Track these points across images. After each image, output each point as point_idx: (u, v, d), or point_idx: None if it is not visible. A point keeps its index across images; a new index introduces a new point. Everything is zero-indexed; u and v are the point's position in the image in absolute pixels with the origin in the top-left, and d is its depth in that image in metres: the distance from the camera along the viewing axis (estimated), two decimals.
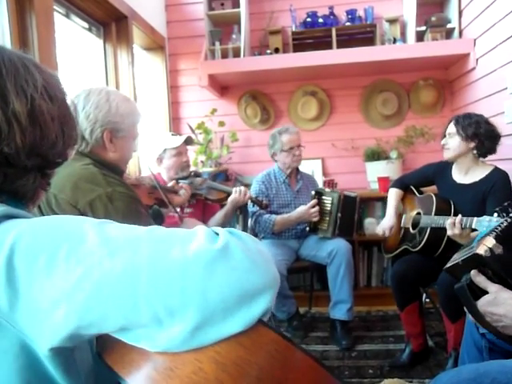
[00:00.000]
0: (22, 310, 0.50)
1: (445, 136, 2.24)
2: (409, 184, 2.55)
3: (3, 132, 0.59)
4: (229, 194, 2.44)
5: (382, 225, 2.50)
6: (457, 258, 1.22)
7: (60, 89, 0.70)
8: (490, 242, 1.09)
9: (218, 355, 0.48)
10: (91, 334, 0.53)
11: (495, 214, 1.70)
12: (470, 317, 1.13)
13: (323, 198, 2.76)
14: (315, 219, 2.72)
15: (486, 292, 1.09)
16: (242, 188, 2.43)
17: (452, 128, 2.18)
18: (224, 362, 0.48)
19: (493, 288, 1.07)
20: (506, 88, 2.48)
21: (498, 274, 1.08)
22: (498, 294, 1.06)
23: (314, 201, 2.71)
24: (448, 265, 1.23)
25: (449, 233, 1.97)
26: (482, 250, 1.09)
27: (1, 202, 0.60)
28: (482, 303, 1.08)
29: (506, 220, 1.19)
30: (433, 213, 2.22)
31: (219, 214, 2.47)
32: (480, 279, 1.09)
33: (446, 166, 2.33)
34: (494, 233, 1.13)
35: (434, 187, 2.46)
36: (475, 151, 2.14)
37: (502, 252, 1.09)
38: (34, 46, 1.87)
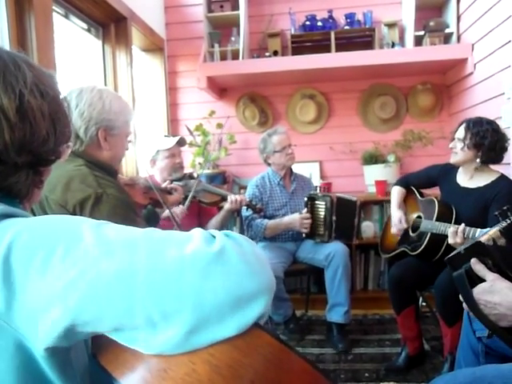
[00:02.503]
0: (18, 309, 0.51)
1: (453, 139, 2.21)
2: (411, 184, 2.53)
3: None
4: (223, 198, 2.43)
5: (393, 223, 2.47)
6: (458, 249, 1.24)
7: (52, 86, 0.70)
8: (494, 233, 1.12)
9: (211, 357, 0.48)
10: (86, 333, 0.53)
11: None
12: (464, 306, 1.13)
13: (316, 202, 2.75)
14: (305, 230, 2.72)
15: (483, 280, 1.10)
16: (238, 197, 2.42)
17: (461, 133, 2.15)
18: (218, 363, 0.48)
19: (490, 276, 1.08)
20: (504, 93, 2.49)
21: (498, 265, 1.10)
22: (494, 283, 1.07)
23: (308, 215, 2.71)
24: (450, 255, 1.24)
25: (450, 241, 1.96)
26: (484, 239, 1.13)
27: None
28: (478, 290, 1.09)
29: (510, 218, 1.22)
30: (434, 218, 2.21)
31: (216, 219, 2.46)
32: (479, 267, 1.10)
33: (451, 169, 2.31)
34: (498, 227, 1.17)
35: (435, 190, 2.45)
36: (478, 159, 2.12)
37: (504, 244, 1.12)
38: (32, 46, 1.86)
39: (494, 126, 2.11)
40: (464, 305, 1.13)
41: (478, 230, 1.85)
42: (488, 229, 1.77)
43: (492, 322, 1.07)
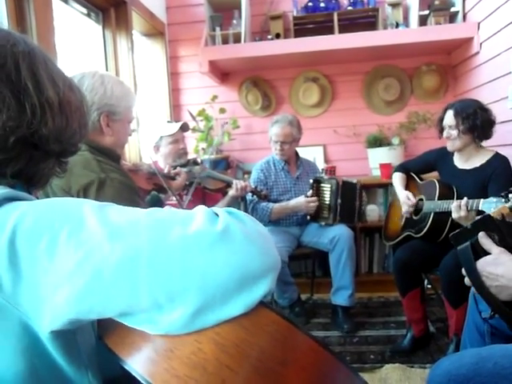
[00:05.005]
0: (24, 291, 0.51)
1: (442, 127, 2.24)
2: (410, 171, 2.54)
3: (37, 116, 0.62)
4: (228, 184, 2.42)
5: (402, 200, 2.42)
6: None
7: (76, 84, 0.75)
8: (504, 209, 1.12)
9: (217, 336, 0.48)
10: (91, 319, 0.53)
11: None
12: (466, 280, 1.14)
13: (322, 185, 2.75)
14: (312, 212, 2.71)
15: (488, 254, 1.10)
16: (243, 183, 2.42)
17: (451, 120, 2.17)
18: (224, 342, 0.48)
19: (496, 250, 1.08)
20: (510, 72, 2.45)
21: (504, 241, 1.10)
22: (499, 256, 1.07)
23: (314, 198, 2.70)
24: (455, 231, 1.24)
25: (454, 216, 1.96)
26: (494, 214, 1.13)
27: (9, 185, 0.61)
28: (482, 263, 1.09)
29: None
30: (436, 198, 2.22)
31: (220, 205, 2.46)
32: (486, 241, 1.10)
33: (447, 152, 2.32)
34: (510, 203, 1.18)
35: (435, 173, 2.45)
36: (476, 140, 2.16)
37: None
38: (32, 32, 1.85)
39: (479, 103, 2.16)
40: (466, 279, 1.13)
41: (482, 200, 1.85)
42: (491, 198, 1.79)
43: (492, 296, 1.07)
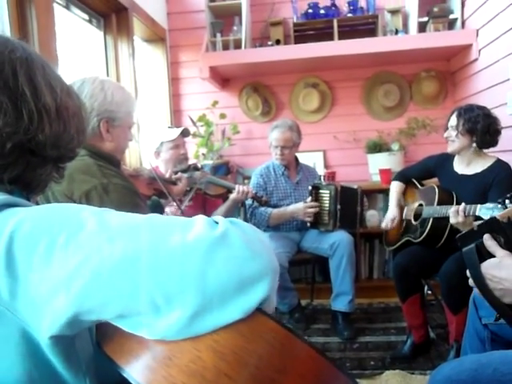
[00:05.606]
0: (22, 297, 0.51)
1: (447, 128, 2.24)
2: (410, 177, 2.54)
3: (34, 122, 0.62)
4: (229, 190, 2.43)
5: (385, 218, 2.51)
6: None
7: (74, 90, 0.75)
8: (510, 211, 1.12)
9: (216, 344, 0.48)
10: (90, 321, 0.53)
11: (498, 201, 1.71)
12: (470, 282, 1.13)
13: (320, 191, 2.75)
14: (308, 219, 2.71)
15: (493, 256, 1.10)
16: (245, 188, 2.42)
17: (454, 121, 2.19)
18: (222, 350, 0.48)
19: (501, 253, 1.08)
20: (509, 79, 2.46)
21: (510, 244, 1.10)
22: (503, 259, 1.06)
23: (313, 203, 2.70)
24: (462, 232, 1.24)
25: (452, 221, 1.96)
26: (500, 216, 1.14)
27: (7, 191, 0.61)
28: (487, 265, 1.09)
29: None
30: (435, 203, 2.22)
31: (221, 210, 2.47)
32: (491, 243, 1.10)
33: (447, 158, 2.33)
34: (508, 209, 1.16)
35: (435, 180, 2.46)
36: (474, 144, 2.15)
37: None
38: (33, 37, 1.85)
39: (485, 110, 2.16)
40: (470, 281, 1.13)
41: (478, 205, 1.85)
42: (488, 203, 1.79)
43: (496, 299, 1.06)
